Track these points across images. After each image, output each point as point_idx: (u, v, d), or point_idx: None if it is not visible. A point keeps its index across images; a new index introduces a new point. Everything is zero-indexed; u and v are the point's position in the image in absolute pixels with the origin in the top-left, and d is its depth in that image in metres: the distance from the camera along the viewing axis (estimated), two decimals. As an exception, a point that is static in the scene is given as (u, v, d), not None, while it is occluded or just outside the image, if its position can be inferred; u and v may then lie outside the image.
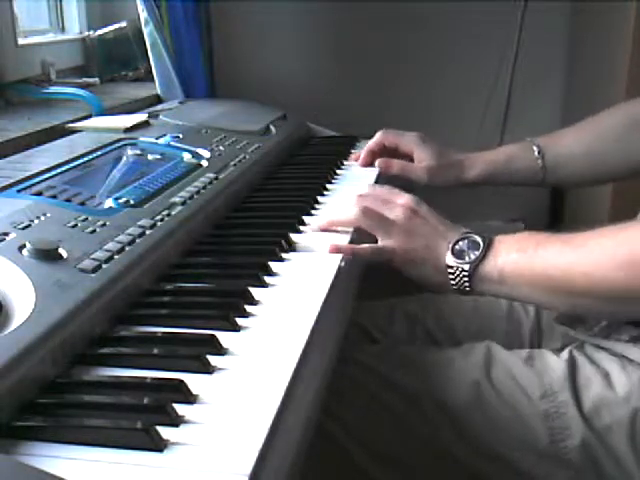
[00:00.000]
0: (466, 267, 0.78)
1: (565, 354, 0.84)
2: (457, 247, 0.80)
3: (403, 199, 0.86)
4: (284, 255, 0.79)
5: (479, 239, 0.79)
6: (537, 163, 1.09)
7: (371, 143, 1.18)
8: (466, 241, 0.80)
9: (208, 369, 0.55)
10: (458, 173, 1.12)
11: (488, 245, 0.78)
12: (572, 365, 0.81)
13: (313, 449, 0.54)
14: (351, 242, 0.84)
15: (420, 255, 0.82)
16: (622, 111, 1.08)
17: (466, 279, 0.79)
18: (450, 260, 0.80)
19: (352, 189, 1.08)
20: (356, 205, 0.86)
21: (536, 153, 1.09)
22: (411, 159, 1.14)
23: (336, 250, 0.81)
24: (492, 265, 0.77)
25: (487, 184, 1.14)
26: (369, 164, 1.18)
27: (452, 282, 0.80)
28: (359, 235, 0.86)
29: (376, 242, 0.85)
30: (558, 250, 0.74)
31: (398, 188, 0.90)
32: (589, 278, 0.70)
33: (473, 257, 0.78)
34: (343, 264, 0.78)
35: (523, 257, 0.76)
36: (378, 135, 1.18)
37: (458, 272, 0.79)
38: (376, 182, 1.11)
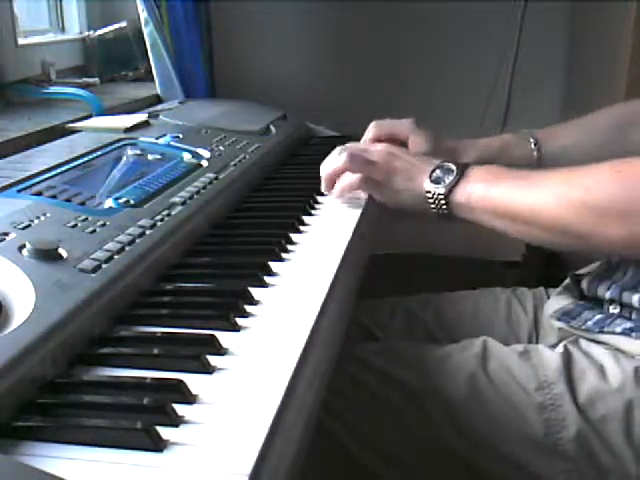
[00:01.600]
0: (442, 190, 0.86)
1: (560, 348, 0.85)
2: (434, 174, 0.88)
3: (380, 145, 0.97)
4: (284, 255, 0.79)
5: (453, 166, 0.87)
6: (533, 154, 1.08)
7: (367, 139, 1.16)
8: (442, 169, 0.88)
9: (208, 369, 0.55)
10: (453, 158, 1.10)
11: (462, 172, 0.86)
12: (567, 358, 0.82)
13: (314, 447, 0.54)
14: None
15: (401, 185, 0.91)
16: (618, 110, 1.09)
17: (443, 202, 0.87)
18: (428, 186, 0.88)
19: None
20: (341, 153, 0.95)
21: (532, 144, 1.09)
22: (406, 145, 1.12)
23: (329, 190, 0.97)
24: (463, 190, 0.85)
25: None
26: None
27: (432, 207, 0.88)
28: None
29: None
30: (515, 185, 0.82)
31: None
32: (535, 212, 0.79)
33: (448, 181, 0.86)
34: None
35: (486, 186, 0.84)
36: (372, 129, 1.15)
37: (436, 196, 0.87)
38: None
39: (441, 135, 1.12)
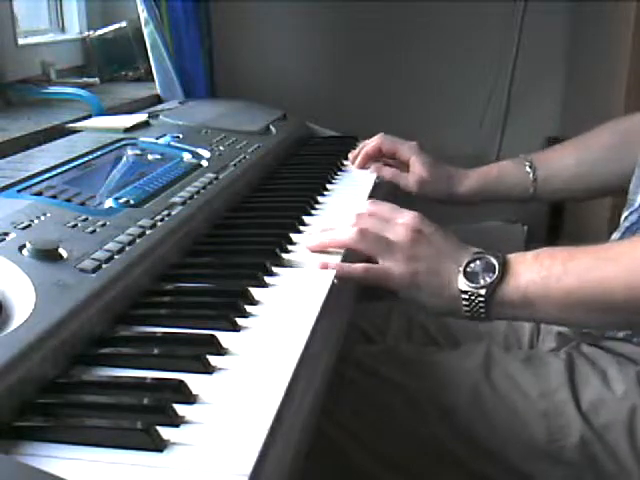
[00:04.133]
0: (482, 292, 0.71)
1: (562, 354, 0.84)
2: (469, 269, 0.73)
3: (406, 217, 0.77)
4: (284, 255, 0.79)
5: (493, 259, 0.72)
6: (528, 177, 1.09)
7: (368, 147, 1.18)
8: (479, 262, 0.73)
9: (208, 369, 0.55)
10: (449, 186, 1.11)
11: (504, 265, 0.71)
12: (570, 364, 0.82)
13: (312, 450, 0.54)
14: (344, 259, 0.78)
15: (425, 280, 0.74)
16: (611, 128, 1.08)
17: (482, 304, 0.72)
18: (463, 285, 0.72)
19: (352, 190, 1.09)
20: (354, 225, 0.78)
21: (527, 167, 1.09)
22: (407, 167, 1.14)
23: (325, 267, 0.75)
24: (513, 287, 0.71)
25: (477, 200, 1.13)
26: (364, 166, 1.18)
27: (466, 308, 0.73)
28: (353, 254, 0.79)
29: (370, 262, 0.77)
30: (591, 264, 0.68)
31: (399, 204, 0.83)
32: (631, 291, 0.66)
33: (489, 280, 0.71)
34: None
35: (551, 276, 0.69)
36: (376, 139, 1.17)
37: (473, 297, 0.72)
38: (375, 184, 1.11)
39: (440, 163, 1.13)
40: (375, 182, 1.12)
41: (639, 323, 0.72)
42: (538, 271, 0.70)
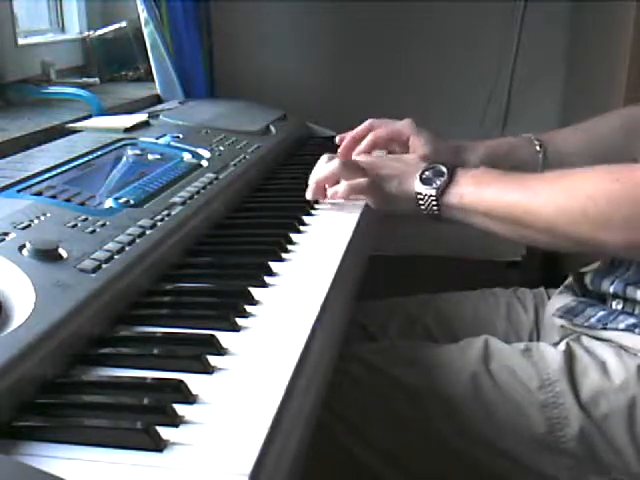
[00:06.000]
0: (433, 192, 0.86)
1: (562, 345, 0.85)
2: (424, 176, 0.88)
3: (369, 155, 0.98)
4: (284, 255, 0.79)
5: (443, 168, 0.87)
6: (538, 157, 1.08)
7: (356, 131, 1.11)
8: (432, 170, 0.88)
9: (208, 369, 0.55)
10: (456, 159, 1.05)
11: (452, 173, 0.86)
12: (569, 355, 0.82)
13: (313, 447, 0.54)
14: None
15: (393, 190, 0.90)
16: (620, 114, 1.08)
17: (434, 204, 0.86)
18: (419, 187, 0.87)
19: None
20: (330, 160, 0.95)
21: (537, 147, 1.08)
22: (406, 148, 1.08)
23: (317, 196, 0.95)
24: (454, 192, 0.85)
25: None
26: (352, 151, 1.10)
27: (422, 208, 0.87)
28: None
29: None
30: (511, 187, 0.82)
31: None
32: (531, 215, 0.79)
33: (439, 183, 0.86)
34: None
35: (479, 188, 0.84)
36: (366, 123, 1.11)
37: (426, 198, 0.87)
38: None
39: (440, 136, 1.10)
40: None
41: (558, 246, 0.85)
42: (474, 183, 0.85)
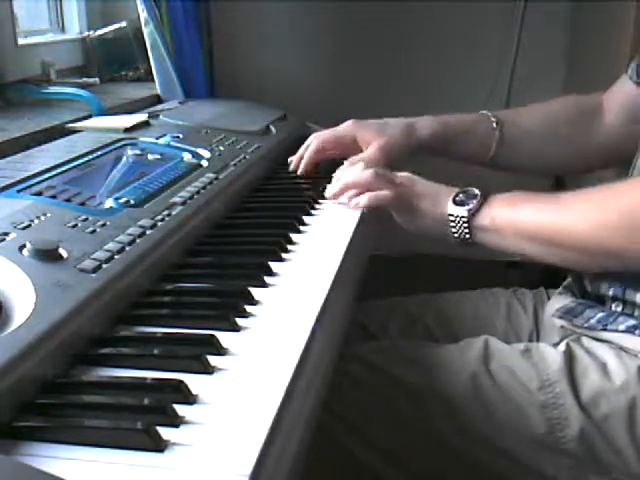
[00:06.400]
0: (465, 213, 0.85)
1: (562, 346, 0.85)
2: (458, 198, 0.87)
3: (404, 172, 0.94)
4: (284, 255, 0.79)
5: (476, 191, 0.87)
6: (494, 133, 1.08)
7: (311, 152, 1.10)
8: (465, 193, 0.87)
9: (208, 369, 0.55)
10: (410, 135, 1.07)
11: (484, 197, 0.86)
12: (569, 356, 0.82)
13: (314, 447, 0.54)
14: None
15: (424, 208, 0.89)
16: (572, 100, 1.12)
17: (466, 226, 0.86)
18: (452, 209, 0.87)
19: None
20: (366, 168, 0.93)
21: (494, 124, 1.08)
22: (355, 149, 1.09)
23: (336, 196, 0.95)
24: (486, 213, 0.85)
25: (441, 147, 1.09)
26: (310, 170, 1.10)
27: (453, 230, 0.87)
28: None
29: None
30: (545, 207, 0.82)
31: None
32: (571, 234, 0.79)
33: (471, 205, 0.85)
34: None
35: (512, 210, 0.84)
36: (314, 141, 1.10)
37: (458, 220, 0.86)
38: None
39: (388, 121, 1.09)
40: None
41: (595, 264, 0.83)
42: (507, 204, 0.85)
